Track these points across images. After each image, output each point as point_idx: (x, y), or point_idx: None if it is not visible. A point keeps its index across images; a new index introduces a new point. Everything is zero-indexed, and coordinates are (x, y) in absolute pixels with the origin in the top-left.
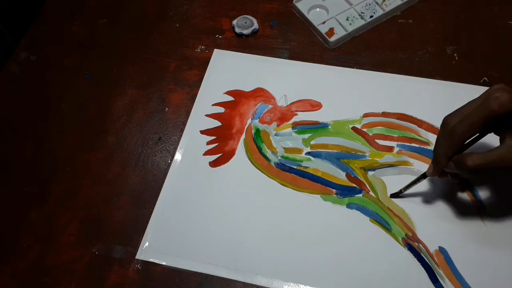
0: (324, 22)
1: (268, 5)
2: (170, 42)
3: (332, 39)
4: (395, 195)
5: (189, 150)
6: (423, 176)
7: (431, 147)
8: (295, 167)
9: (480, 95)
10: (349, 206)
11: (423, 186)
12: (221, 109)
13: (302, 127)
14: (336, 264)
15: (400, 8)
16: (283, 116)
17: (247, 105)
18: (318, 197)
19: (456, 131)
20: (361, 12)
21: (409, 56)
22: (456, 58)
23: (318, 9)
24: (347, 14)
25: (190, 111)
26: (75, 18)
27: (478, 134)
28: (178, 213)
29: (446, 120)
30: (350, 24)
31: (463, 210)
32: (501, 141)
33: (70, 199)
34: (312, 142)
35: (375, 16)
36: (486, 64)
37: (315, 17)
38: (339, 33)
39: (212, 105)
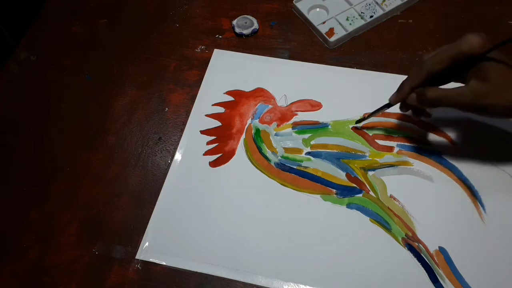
0: (324, 22)
1: (268, 5)
2: (170, 42)
3: (332, 39)
4: (359, 121)
5: (189, 150)
6: (387, 104)
7: (431, 147)
8: (295, 167)
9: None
10: (349, 206)
11: (423, 186)
12: (221, 109)
13: (302, 127)
14: (336, 264)
15: (400, 8)
16: (283, 116)
17: (247, 105)
18: (318, 197)
19: (425, 63)
20: (361, 12)
21: (409, 56)
22: None
23: (318, 9)
24: (347, 14)
25: (190, 111)
26: (75, 18)
27: (446, 77)
28: (178, 213)
29: (420, 56)
30: (350, 24)
31: (463, 210)
32: (466, 82)
33: (70, 199)
34: (312, 142)
35: (375, 16)
36: None
37: (315, 17)
38: (339, 33)
39: (212, 105)
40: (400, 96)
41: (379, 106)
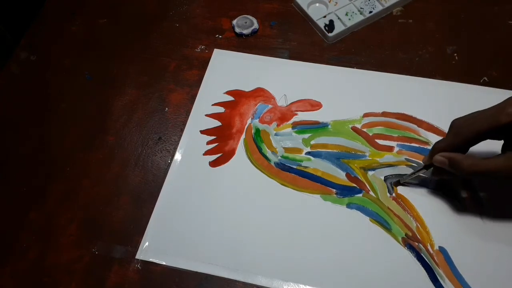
0: (324, 17)
1: (268, 5)
2: (170, 42)
3: (331, 34)
4: (396, 184)
5: (189, 150)
6: (424, 166)
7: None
8: (295, 167)
9: (495, 105)
10: (349, 206)
11: (424, 186)
12: (221, 109)
13: (302, 127)
14: (336, 264)
15: (399, 4)
16: (283, 116)
17: (247, 105)
18: (318, 197)
19: (460, 134)
20: (360, 8)
21: (409, 56)
22: (456, 58)
23: (317, 4)
24: (347, 9)
25: (190, 111)
26: (75, 18)
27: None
28: (178, 213)
29: (454, 122)
30: (349, 19)
31: (463, 210)
32: (502, 150)
33: (70, 199)
34: (312, 142)
35: (374, 12)
36: (486, 64)
37: (315, 12)
38: (338, 28)
39: (212, 105)
40: (432, 159)
41: (416, 169)
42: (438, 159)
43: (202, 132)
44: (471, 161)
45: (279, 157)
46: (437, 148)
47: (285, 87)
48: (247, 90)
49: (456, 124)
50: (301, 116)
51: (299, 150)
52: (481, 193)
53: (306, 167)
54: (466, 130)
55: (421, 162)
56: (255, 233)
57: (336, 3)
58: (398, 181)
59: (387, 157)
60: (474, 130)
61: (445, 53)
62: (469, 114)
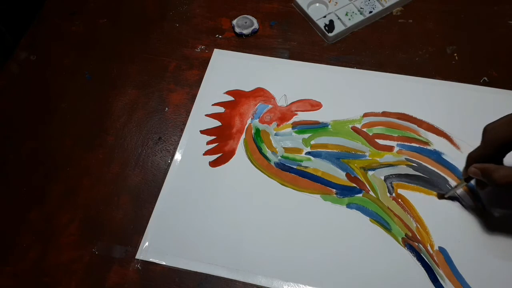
0: (324, 17)
1: (268, 5)
2: (170, 42)
3: (331, 34)
4: (441, 197)
5: (189, 150)
6: (465, 180)
7: (431, 147)
8: (295, 166)
9: None
10: (349, 206)
11: (423, 186)
12: (221, 109)
13: (302, 127)
14: (336, 264)
15: (399, 4)
16: (283, 116)
17: (247, 105)
18: (318, 197)
19: (490, 143)
20: (360, 8)
21: (409, 56)
22: (456, 58)
23: (317, 4)
24: (347, 9)
25: (190, 111)
26: (75, 18)
27: None
28: (178, 213)
29: (485, 128)
30: (349, 19)
31: (463, 210)
32: None
33: (70, 199)
34: (312, 142)
35: (374, 12)
36: (486, 64)
37: (315, 12)
38: (338, 28)
39: (212, 105)
40: (465, 171)
41: (458, 185)
42: (472, 171)
43: (202, 132)
44: (503, 172)
45: (279, 157)
46: (471, 158)
47: (285, 87)
48: (247, 90)
49: (486, 131)
50: (301, 116)
51: (299, 150)
52: (482, 193)
53: (306, 167)
54: (494, 139)
55: (422, 163)
56: (255, 233)
57: (336, 3)
58: (443, 195)
59: (387, 157)
60: (500, 139)
61: (445, 53)
62: (498, 120)
